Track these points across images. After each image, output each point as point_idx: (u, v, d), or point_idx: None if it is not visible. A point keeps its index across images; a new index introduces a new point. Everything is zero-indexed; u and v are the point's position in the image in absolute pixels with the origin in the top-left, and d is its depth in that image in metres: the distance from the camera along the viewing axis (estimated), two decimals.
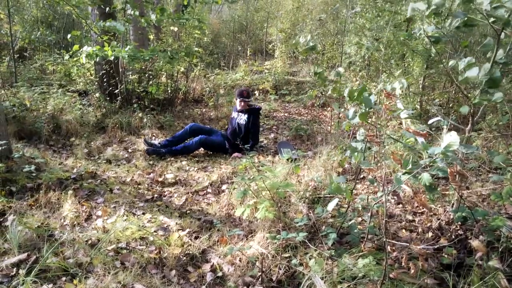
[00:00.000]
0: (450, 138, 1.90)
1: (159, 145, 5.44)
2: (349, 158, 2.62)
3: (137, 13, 5.72)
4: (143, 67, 6.99)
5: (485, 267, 2.28)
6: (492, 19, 2.20)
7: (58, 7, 10.17)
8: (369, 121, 2.47)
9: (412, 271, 2.22)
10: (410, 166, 2.14)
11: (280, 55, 11.75)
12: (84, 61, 5.56)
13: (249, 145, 5.52)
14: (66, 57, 6.53)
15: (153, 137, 5.97)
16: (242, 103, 5.57)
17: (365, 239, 2.75)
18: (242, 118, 5.58)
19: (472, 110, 2.64)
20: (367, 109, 2.32)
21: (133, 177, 4.49)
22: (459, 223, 2.87)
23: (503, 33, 2.27)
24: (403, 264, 2.29)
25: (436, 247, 2.65)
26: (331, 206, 2.59)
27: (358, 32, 7.37)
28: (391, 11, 6.28)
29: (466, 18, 2.24)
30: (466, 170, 2.95)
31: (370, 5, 6.86)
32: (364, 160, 2.59)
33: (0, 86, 6.63)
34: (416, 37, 2.72)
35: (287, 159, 4.92)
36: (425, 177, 2.09)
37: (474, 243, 2.37)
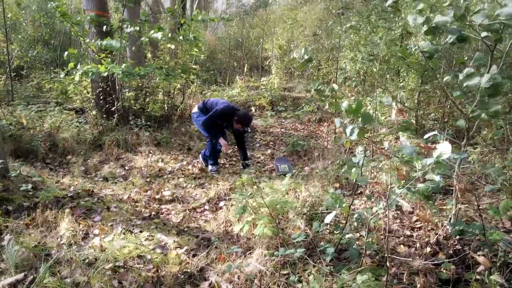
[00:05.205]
0: (442, 148, 1.91)
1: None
2: (347, 173, 2.63)
3: (137, 28, 5.80)
4: (140, 84, 7.02)
5: (487, 282, 2.28)
6: (484, 34, 2.25)
7: (56, 25, 10.24)
8: (365, 137, 2.49)
9: (414, 286, 2.22)
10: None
11: (276, 71, 11.84)
12: (78, 78, 5.60)
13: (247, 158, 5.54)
14: (62, 75, 6.56)
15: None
16: (240, 127, 5.41)
17: (363, 255, 2.75)
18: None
19: (467, 125, 2.67)
20: (366, 126, 2.33)
21: (130, 194, 4.48)
22: (457, 238, 2.88)
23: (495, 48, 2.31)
24: (404, 280, 2.29)
25: (435, 262, 2.65)
26: (328, 218, 2.59)
27: (353, 48, 7.46)
28: (385, 27, 6.36)
29: (459, 34, 2.28)
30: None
31: (364, 22, 6.95)
32: (362, 176, 2.60)
33: None
34: (411, 52, 2.76)
35: (284, 175, 4.92)
36: (422, 187, 2.10)
37: (480, 258, 2.37)
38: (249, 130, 5.65)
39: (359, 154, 2.51)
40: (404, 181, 2.30)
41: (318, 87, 3.05)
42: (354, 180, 2.53)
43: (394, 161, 4.33)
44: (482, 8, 2.18)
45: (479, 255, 2.47)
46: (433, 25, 2.29)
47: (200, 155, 5.76)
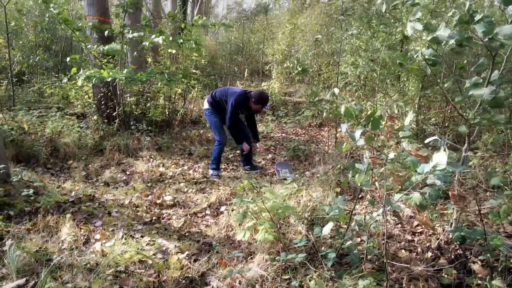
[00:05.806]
0: (438, 158, 1.91)
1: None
2: (351, 180, 2.63)
3: (141, 33, 5.83)
4: (141, 89, 7.03)
5: (489, 287, 2.27)
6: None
7: (57, 31, 10.26)
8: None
9: None
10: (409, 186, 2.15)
11: (277, 76, 11.86)
12: (80, 83, 5.61)
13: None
14: (65, 80, 6.58)
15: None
16: (260, 108, 5.42)
17: (364, 260, 2.75)
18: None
19: (468, 130, 2.67)
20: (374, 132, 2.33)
21: (131, 199, 4.48)
22: (458, 242, 2.88)
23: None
24: (404, 285, 2.29)
25: (436, 267, 2.65)
26: (326, 230, 2.59)
27: (354, 53, 7.47)
28: (386, 32, 6.38)
29: (461, 39, 2.28)
30: (463, 190, 2.97)
31: (365, 27, 6.97)
32: (366, 181, 2.60)
33: None
34: (412, 58, 2.77)
35: (284, 179, 4.93)
36: (416, 196, 2.10)
37: (475, 266, 2.37)
38: (268, 107, 5.72)
39: (366, 159, 2.50)
40: (400, 186, 2.30)
41: (316, 98, 3.07)
42: (359, 184, 2.53)
43: (394, 165, 4.34)
44: (485, 15, 2.18)
45: (478, 260, 2.47)
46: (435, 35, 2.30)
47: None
